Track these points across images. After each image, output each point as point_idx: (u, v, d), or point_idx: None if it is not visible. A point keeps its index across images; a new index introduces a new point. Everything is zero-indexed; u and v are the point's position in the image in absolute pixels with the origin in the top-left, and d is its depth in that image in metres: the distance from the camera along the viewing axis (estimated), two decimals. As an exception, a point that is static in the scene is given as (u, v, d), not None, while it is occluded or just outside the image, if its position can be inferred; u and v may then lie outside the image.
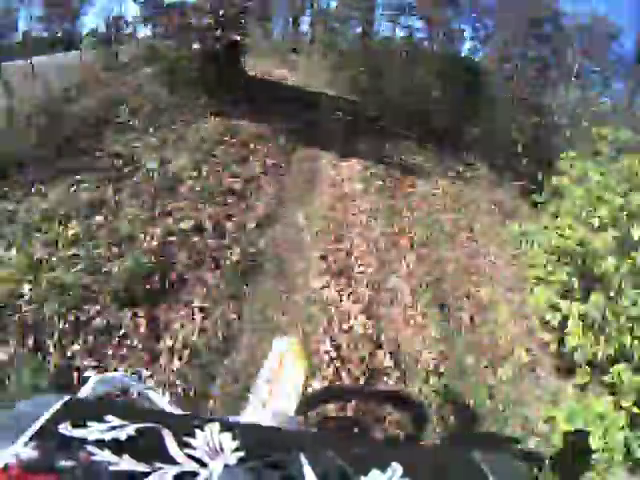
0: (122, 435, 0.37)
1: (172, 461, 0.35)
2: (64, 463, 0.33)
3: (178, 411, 0.66)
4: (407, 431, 1.99)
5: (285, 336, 1.98)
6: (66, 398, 0.41)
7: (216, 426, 0.41)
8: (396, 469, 0.38)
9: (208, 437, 0.39)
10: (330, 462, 0.38)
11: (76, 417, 0.38)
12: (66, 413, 0.39)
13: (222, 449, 0.38)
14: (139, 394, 0.62)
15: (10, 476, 0.32)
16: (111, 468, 0.33)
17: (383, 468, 0.38)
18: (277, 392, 1.07)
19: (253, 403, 1.11)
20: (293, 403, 1.03)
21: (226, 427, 0.41)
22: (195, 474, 0.34)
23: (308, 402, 2.04)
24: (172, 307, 2.34)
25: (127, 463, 0.34)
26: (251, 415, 0.82)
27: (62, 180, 3.09)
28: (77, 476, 0.33)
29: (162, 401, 0.65)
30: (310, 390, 1.98)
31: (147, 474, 0.33)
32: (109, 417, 0.39)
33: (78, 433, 0.36)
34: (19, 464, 0.32)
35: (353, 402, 2.05)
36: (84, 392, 0.56)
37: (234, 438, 0.40)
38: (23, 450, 0.33)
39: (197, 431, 0.40)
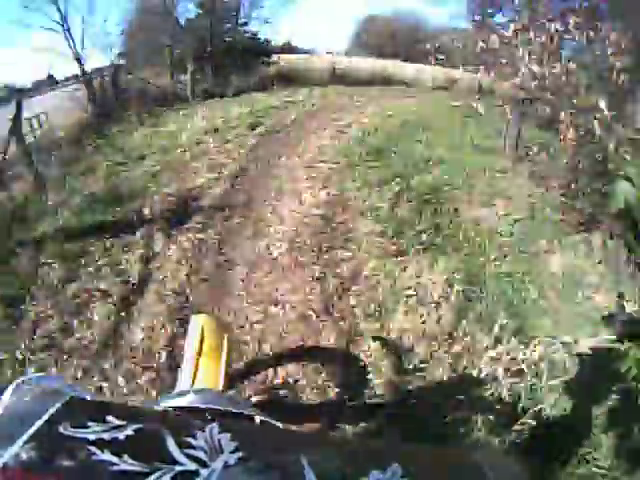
0: (122, 435, 0.37)
1: (172, 461, 0.35)
2: (64, 463, 0.33)
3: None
4: (346, 390, 2.06)
5: (201, 313, 2.09)
6: (66, 398, 0.41)
7: (216, 427, 0.41)
8: (396, 470, 0.38)
9: (208, 437, 0.39)
10: (330, 463, 0.38)
11: (76, 417, 0.38)
12: (66, 413, 0.38)
13: (222, 449, 0.38)
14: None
15: (9, 476, 0.32)
16: (111, 468, 0.33)
17: (383, 469, 0.38)
18: (203, 368, 1.08)
19: (181, 381, 1.13)
20: (220, 377, 1.04)
21: (225, 427, 0.41)
22: (196, 473, 0.34)
23: (235, 375, 2.11)
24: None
25: (127, 463, 0.34)
26: (176, 396, 0.77)
27: None
28: (77, 476, 0.33)
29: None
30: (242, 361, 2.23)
31: (147, 474, 0.33)
32: (109, 417, 0.38)
33: (78, 433, 0.36)
34: (18, 464, 0.32)
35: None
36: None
37: (233, 438, 0.40)
38: (22, 450, 0.33)
39: (197, 432, 0.40)
